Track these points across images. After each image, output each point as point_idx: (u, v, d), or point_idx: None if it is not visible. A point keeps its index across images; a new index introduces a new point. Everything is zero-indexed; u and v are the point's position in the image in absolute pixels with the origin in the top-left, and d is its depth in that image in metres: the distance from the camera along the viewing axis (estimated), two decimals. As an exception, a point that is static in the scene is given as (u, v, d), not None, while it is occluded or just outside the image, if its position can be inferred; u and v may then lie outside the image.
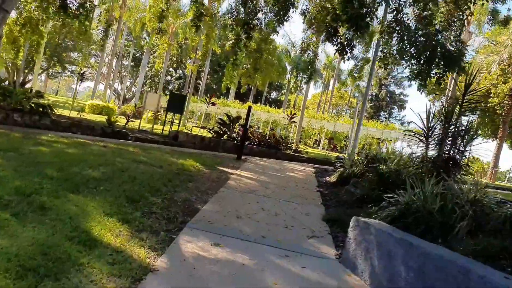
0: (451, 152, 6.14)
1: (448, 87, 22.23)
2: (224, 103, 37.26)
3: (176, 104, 14.69)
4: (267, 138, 15.24)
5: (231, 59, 13.67)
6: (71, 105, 17.86)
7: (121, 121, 16.49)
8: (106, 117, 13.12)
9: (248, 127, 12.10)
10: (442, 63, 9.32)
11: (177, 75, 67.14)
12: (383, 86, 70.74)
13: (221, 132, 14.48)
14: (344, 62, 11.30)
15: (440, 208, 4.64)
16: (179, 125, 15.12)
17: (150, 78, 64.58)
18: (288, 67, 56.58)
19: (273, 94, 78.59)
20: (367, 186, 7.25)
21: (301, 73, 15.14)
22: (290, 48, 54.55)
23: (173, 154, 10.11)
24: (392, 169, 7.47)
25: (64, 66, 52.72)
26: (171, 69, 69.40)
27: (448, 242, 4.13)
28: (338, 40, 10.39)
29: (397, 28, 9.76)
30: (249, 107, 11.46)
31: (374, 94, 72.90)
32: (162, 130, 14.74)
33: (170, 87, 64.96)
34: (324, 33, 10.69)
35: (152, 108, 15.35)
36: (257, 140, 14.69)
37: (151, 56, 64.82)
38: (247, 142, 14.45)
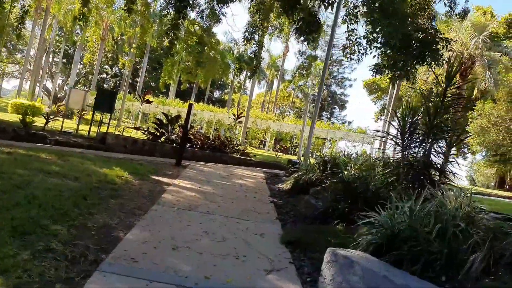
0: (431, 155, 5.15)
1: (392, 84, 21.94)
2: (163, 102, 35.20)
3: (105, 101, 12.83)
4: (211, 140, 13.83)
5: (168, 52, 12.06)
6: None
7: (43, 121, 14.38)
8: (20, 116, 11.11)
9: (189, 127, 10.67)
10: (417, 51, 8.36)
11: (113, 72, 63.62)
12: (324, 86, 71.41)
13: (158, 134, 12.87)
14: (308, 44, 10.11)
15: (441, 233, 3.56)
16: (108, 126, 13.30)
17: (84, 76, 60.60)
18: (232, 66, 55.38)
19: (216, 94, 77.12)
20: (331, 197, 6.13)
21: (245, 66, 13.85)
22: (233, 46, 53.40)
23: (97, 160, 8.46)
24: (356, 176, 6.42)
25: (-15, 62, 47.83)
26: (106, 66, 65.74)
27: (460, 284, 3.05)
28: (300, 16, 8.92)
29: (365, 8, 8.71)
30: (190, 105, 10.04)
31: (315, 94, 73.59)
32: (89, 131, 12.85)
33: (106, 85, 61.35)
34: (280, 5, 9.16)
35: (77, 107, 13.38)
36: (199, 142, 13.23)
37: (84, 53, 61.03)
38: (188, 145, 12.96)
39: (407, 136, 5.28)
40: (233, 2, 11.51)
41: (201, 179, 8.57)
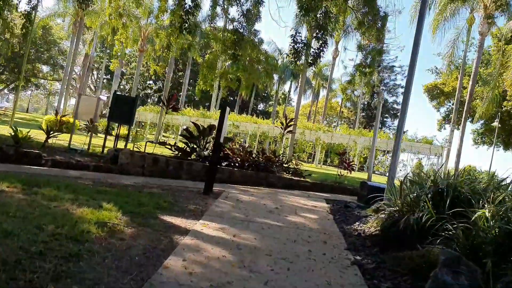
0: None
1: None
2: (204, 114, 32.77)
3: (123, 110, 10.27)
4: (254, 156, 10.91)
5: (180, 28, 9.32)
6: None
7: (61, 137, 12.13)
8: (12, 132, 8.77)
9: (223, 140, 7.83)
10: None
11: (157, 87, 62.73)
12: (375, 94, 67.10)
13: (188, 150, 10.12)
14: None
15: None
16: (127, 141, 10.75)
17: (128, 92, 59.97)
18: (275, 76, 52.60)
19: (261, 106, 74.80)
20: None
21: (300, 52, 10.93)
22: (277, 55, 50.71)
23: (86, 192, 5.77)
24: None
25: (28, 79, 47.87)
26: (150, 81, 65.08)
27: None
28: None
29: None
30: (223, 109, 7.22)
31: (366, 103, 69.40)
32: (103, 148, 10.34)
33: (149, 101, 60.48)
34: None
35: (87, 118, 10.97)
36: (239, 159, 10.36)
37: (127, 68, 60.57)
38: (224, 163, 10.13)
39: None
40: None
41: (238, 218, 5.65)
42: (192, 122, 11.95)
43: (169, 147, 10.37)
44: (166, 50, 15.18)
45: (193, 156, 10.13)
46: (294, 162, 11.52)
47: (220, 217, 5.54)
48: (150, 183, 7.70)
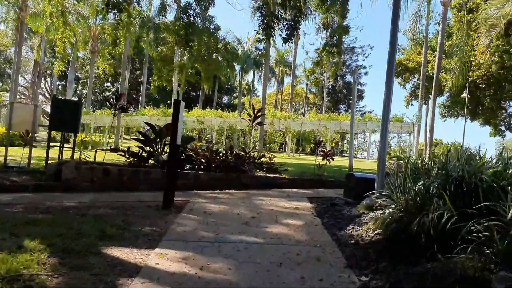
0: None
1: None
2: (165, 113, 31.15)
3: (66, 117, 8.89)
4: (222, 154, 9.71)
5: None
6: None
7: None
8: None
9: (181, 141, 6.64)
10: None
11: (115, 89, 60.17)
12: (339, 77, 67.11)
13: (144, 155, 8.85)
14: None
15: None
16: (73, 150, 9.37)
17: (85, 97, 57.27)
18: (237, 67, 51.26)
19: (225, 99, 73.30)
20: None
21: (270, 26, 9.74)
22: (236, 45, 49.30)
23: (9, 225, 4.50)
24: None
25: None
26: (108, 84, 62.47)
27: None
28: None
29: None
30: (177, 105, 6.02)
31: (330, 86, 69.27)
32: (46, 162, 8.92)
33: (108, 104, 57.85)
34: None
35: (23, 128, 9.48)
36: (204, 160, 9.13)
37: (82, 72, 57.89)
38: (187, 167, 8.90)
39: None
40: None
41: (206, 238, 4.50)
42: (146, 123, 10.62)
43: (123, 153, 9.04)
44: (114, 46, 13.76)
45: (151, 162, 8.86)
46: (267, 156, 10.42)
47: (183, 241, 4.37)
48: (99, 200, 6.43)
